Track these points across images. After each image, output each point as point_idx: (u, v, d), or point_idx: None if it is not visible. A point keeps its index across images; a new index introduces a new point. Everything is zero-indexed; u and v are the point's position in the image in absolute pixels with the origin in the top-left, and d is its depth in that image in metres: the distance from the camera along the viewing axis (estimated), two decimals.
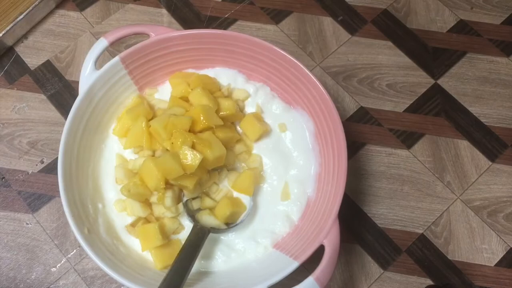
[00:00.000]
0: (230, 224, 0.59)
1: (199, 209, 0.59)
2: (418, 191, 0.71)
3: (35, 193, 0.69)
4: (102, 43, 0.60)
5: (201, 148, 0.56)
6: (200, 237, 0.56)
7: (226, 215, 0.58)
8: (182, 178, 0.55)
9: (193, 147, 0.56)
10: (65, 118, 0.59)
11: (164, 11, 0.81)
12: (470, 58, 0.79)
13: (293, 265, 0.52)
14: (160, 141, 0.59)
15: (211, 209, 0.59)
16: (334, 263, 0.52)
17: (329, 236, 0.53)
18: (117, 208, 0.60)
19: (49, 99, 0.75)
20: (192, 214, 0.59)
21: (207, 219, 0.58)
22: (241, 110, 0.65)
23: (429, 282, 0.66)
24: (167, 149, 0.58)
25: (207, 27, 0.80)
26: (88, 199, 0.59)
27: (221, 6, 0.82)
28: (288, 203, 0.61)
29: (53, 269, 0.66)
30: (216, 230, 0.58)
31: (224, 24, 0.81)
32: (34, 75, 0.76)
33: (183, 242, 0.56)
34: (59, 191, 0.54)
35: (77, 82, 0.61)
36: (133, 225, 0.59)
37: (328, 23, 0.81)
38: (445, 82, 0.78)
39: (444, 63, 0.79)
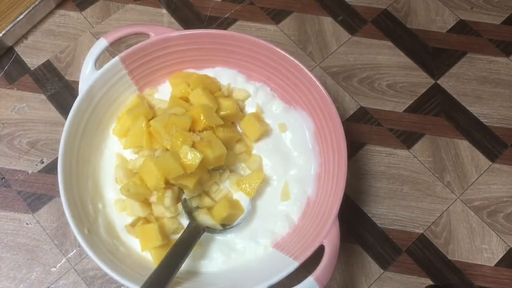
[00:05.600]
0: (226, 225, 0.59)
1: (197, 207, 0.60)
2: (418, 191, 0.71)
3: (35, 193, 0.69)
4: (102, 43, 0.60)
5: (201, 148, 0.56)
6: (194, 235, 0.56)
7: (223, 216, 0.58)
8: (182, 178, 0.55)
9: (193, 146, 0.56)
10: (65, 118, 0.59)
11: (164, 11, 0.81)
12: (470, 58, 0.79)
13: (293, 265, 0.52)
14: (160, 141, 0.59)
15: (209, 209, 0.59)
16: (334, 263, 0.52)
17: (329, 236, 0.53)
18: (117, 208, 0.60)
19: (49, 99, 0.75)
20: (189, 212, 0.59)
21: (203, 218, 0.58)
22: (241, 110, 0.65)
23: (429, 282, 0.66)
24: (167, 149, 0.58)
25: (207, 27, 0.80)
26: (88, 199, 0.59)
27: (221, 6, 0.82)
28: (288, 203, 0.61)
29: (53, 269, 0.66)
30: (211, 230, 0.58)
31: (224, 24, 0.81)
32: (34, 75, 0.76)
33: None
34: (59, 191, 0.54)
35: (77, 82, 0.61)
36: (132, 225, 0.59)
37: (328, 23, 0.81)
38: (445, 82, 0.78)
39: (444, 63, 0.79)
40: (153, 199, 0.58)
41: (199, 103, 0.60)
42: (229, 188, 0.61)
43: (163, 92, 0.67)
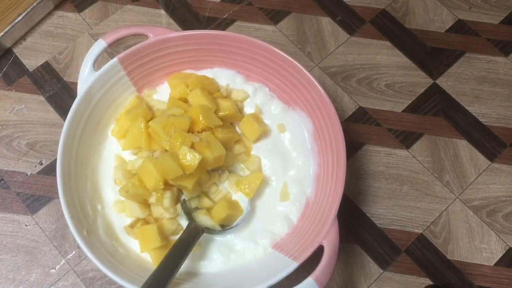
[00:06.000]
0: (225, 226, 0.59)
1: (197, 208, 0.60)
2: (417, 191, 0.71)
3: (34, 195, 0.69)
4: (100, 44, 0.60)
5: (200, 148, 0.56)
6: (193, 236, 0.56)
7: (222, 217, 0.58)
8: (181, 179, 0.55)
9: (192, 147, 0.56)
10: (64, 119, 0.59)
11: (162, 12, 0.81)
12: (469, 57, 0.79)
13: (292, 265, 0.52)
14: (159, 142, 0.59)
15: (208, 209, 0.59)
16: (333, 263, 0.52)
17: (328, 237, 0.53)
18: (116, 209, 0.60)
19: (47, 100, 0.75)
20: (188, 212, 0.59)
21: (202, 218, 0.58)
22: (240, 110, 0.65)
23: (429, 282, 0.66)
24: (166, 150, 0.58)
25: (205, 27, 0.80)
26: (87, 200, 0.59)
27: (220, 7, 0.82)
28: (287, 204, 0.61)
29: (53, 271, 0.66)
30: (210, 230, 0.58)
31: (223, 24, 0.81)
32: (33, 77, 0.76)
33: None
34: (58, 193, 0.54)
35: (76, 84, 0.61)
36: (132, 226, 0.59)
37: (326, 23, 0.81)
38: (443, 82, 0.78)
39: (443, 63, 0.79)
40: (152, 200, 0.58)
41: (197, 104, 0.60)
42: (228, 189, 0.61)
43: (161, 93, 0.67)
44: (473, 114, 0.76)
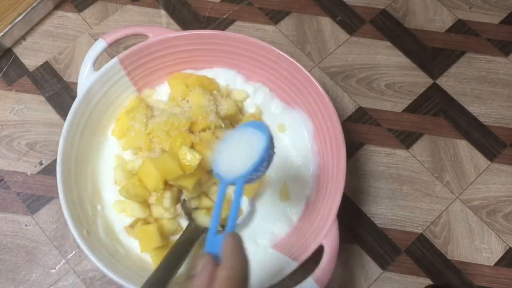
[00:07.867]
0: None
1: (197, 208, 0.59)
2: (417, 191, 0.71)
3: (34, 195, 0.69)
4: (100, 44, 0.60)
5: (200, 148, 0.56)
6: (193, 236, 0.56)
7: (222, 217, 0.57)
8: (181, 179, 0.55)
9: (192, 147, 0.56)
10: (64, 119, 0.59)
11: (162, 12, 0.81)
12: (469, 57, 0.79)
13: (293, 265, 0.52)
14: (159, 142, 0.59)
15: (208, 209, 0.59)
16: (333, 263, 0.52)
17: (328, 236, 0.53)
18: (116, 209, 0.60)
19: (47, 100, 0.75)
20: (188, 213, 0.59)
21: (203, 219, 0.58)
22: (240, 110, 0.65)
23: (429, 281, 0.66)
24: (166, 150, 0.58)
25: (205, 27, 0.80)
26: (87, 200, 0.59)
27: (220, 7, 0.82)
28: (287, 204, 0.61)
29: (53, 271, 0.66)
30: None
31: (223, 24, 0.81)
32: (33, 77, 0.76)
33: None
34: (58, 193, 0.54)
35: (76, 84, 0.61)
36: (132, 226, 0.59)
37: (326, 23, 0.81)
38: (443, 82, 0.78)
39: (443, 63, 0.79)
40: (152, 200, 0.58)
41: (198, 104, 0.60)
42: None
43: (162, 93, 0.67)
44: (473, 114, 0.76)
